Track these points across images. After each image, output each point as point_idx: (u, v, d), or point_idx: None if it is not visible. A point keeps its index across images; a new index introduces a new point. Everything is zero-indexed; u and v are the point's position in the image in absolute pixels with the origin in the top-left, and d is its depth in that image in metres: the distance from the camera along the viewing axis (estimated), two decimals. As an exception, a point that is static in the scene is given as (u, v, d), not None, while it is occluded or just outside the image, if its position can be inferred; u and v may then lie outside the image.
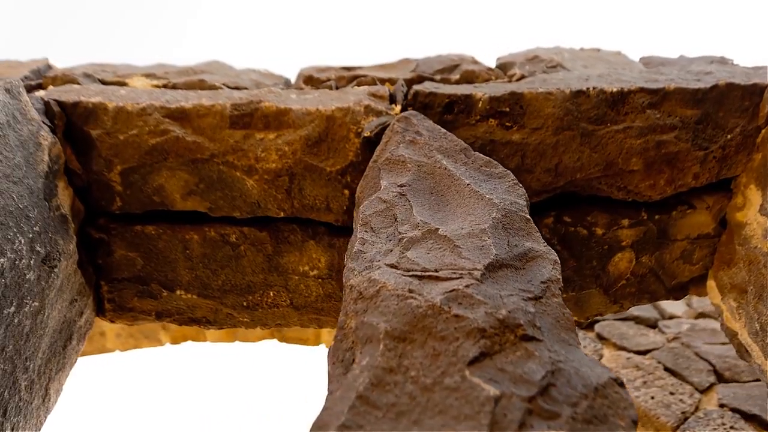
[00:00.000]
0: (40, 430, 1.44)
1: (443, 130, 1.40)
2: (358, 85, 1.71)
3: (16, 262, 1.22)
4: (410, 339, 0.77)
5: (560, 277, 0.92)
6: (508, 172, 1.21)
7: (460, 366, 0.73)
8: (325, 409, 0.74)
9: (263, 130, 1.52)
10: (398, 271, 0.89)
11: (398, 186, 1.18)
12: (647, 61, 1.95)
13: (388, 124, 1.49)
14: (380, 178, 1.25)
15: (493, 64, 1.97)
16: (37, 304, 1.31)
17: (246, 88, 1.73)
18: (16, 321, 1.23)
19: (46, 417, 1.47)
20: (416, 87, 1.57)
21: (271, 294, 1.78)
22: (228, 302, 1.78)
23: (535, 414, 0.68)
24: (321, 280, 1.75)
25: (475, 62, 1.84)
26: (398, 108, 1.57)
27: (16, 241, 1.22)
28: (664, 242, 1.76)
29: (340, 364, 0.81)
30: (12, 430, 1.26)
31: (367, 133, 1.48)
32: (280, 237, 1.72)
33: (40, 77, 1.83)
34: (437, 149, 1.30)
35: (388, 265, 0.91)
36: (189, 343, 5.11)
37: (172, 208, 1.64)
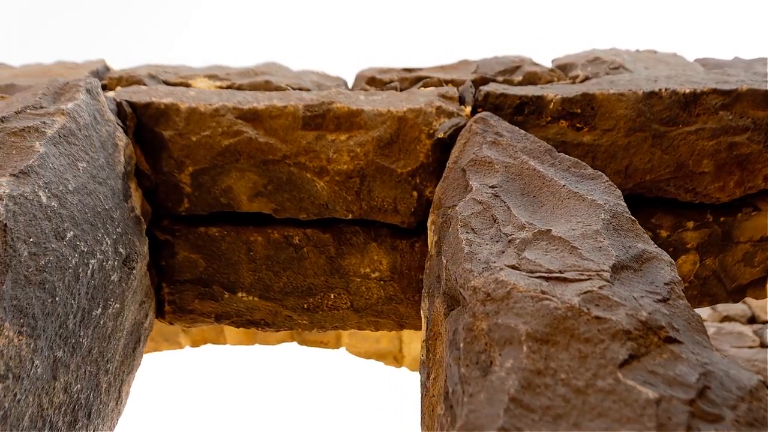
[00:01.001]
0: (113, 432, 1.43)
1: (522, 131, 1.39)
2: (425, 87, 1.70)
3: (104, 264, 1.21)
4: (553, 341, 0.76)
5: (680, 278, 0.91)
6: (600, 173, 1.20)
7: (611, 368, 0.72)
8: (471, 411, 0.73)
9: (334, 132, 1.51)
10: (522, 273, 0.88)
11: (490, 187, 1.17)
12: (704, 63, 1.94)
13: (462, 126, 1.49)
14: (467, 179, 1.24)
15: (544, 65, 1.96)
16: (118, 305, 1.30)
17: (308, 89, 1.73)
18: (101, 323, 1.23)
19: (118, 420, 1.46)
20: (486, 88, 1.56)
21: (332, 296, 1.77)
22: (289, 304, 1.77)
23: (698, 417, 0.67)
24: (383, 282, 1.74)
25: (535, 64, 1.84)
26: (468, 109, 1.56)
27: (104, 242, 1.21)
28: (727, 245, 1.75)
29: (474, 366, 0.80)
30: (95, 432, 1.25)
31: (440, 135, 1.48)
32: (342, 239, 1.71)
33: (100, 78, 1.83)
34: (521, 150, 1.29)
35: (508, 266, 0.90)
36: (208, 345, 5.09)
37: (238, 210, 1.63)
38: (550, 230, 0.97)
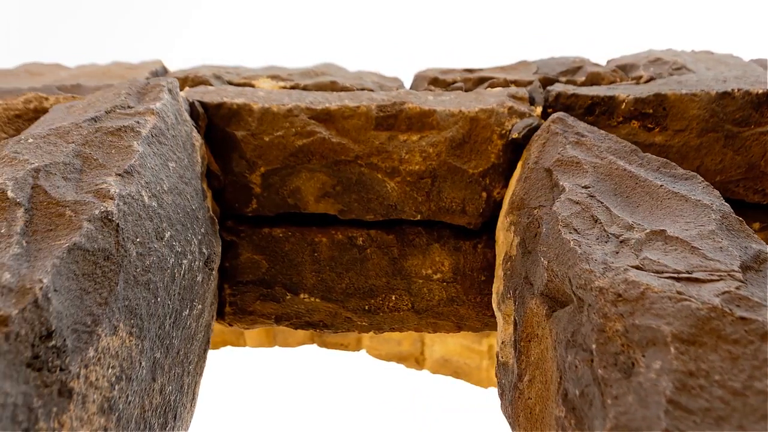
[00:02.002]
0: (188, 434, 1.42)
1: (601, 131, 1.38)
2: (491, 87, 1.69)
3: (192, 264, 1.20)
4: (699, 342, 0.75)
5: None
6: (694, 173, 1.19)
7: (766, 369, 0.71)
8: (622, 413, 0.72)
9: (406, 132, 1.51)
10: (650, 273, 0.87)
11: (583, 187, 1.16)
12: (761, 63, 1.93)
13: (535, 126, 1.48)
14: (555, 179, 1.23)
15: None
16: (200, 306, 1.30)
17: (371, 90, 1.72)
18: (187, 324, 1.22)
19: (191, 421, 1.45)
20: (556, 88, 1.55)
21: (393, 298, 1.76)
22: (350, 306, 1.76)
23: None
24: (445, 283, 1.74)
25: (596, 64, 1.83)
26: (539, 110, 1.55)
27: (192, 242, 1.20)
28: (791, 246, 1.74)
29: (613, 368, 0.79)
30: (180, 434, 1.24)
31: (515, 135, 1.47)
32: (405, 240, 1.70)
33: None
34: (607, 150, 1.29)
35: (632, 266, 0.89)
36: (228, 348, 5.08)
37: (304, 211, 1.62)
38: (665, 230, 0.97)
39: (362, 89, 1.73)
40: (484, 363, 5.16)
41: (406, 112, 1.49)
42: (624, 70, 1.86)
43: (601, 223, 1.05)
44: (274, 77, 1.74)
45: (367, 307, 1.78)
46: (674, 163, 1.25)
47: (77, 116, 1.21)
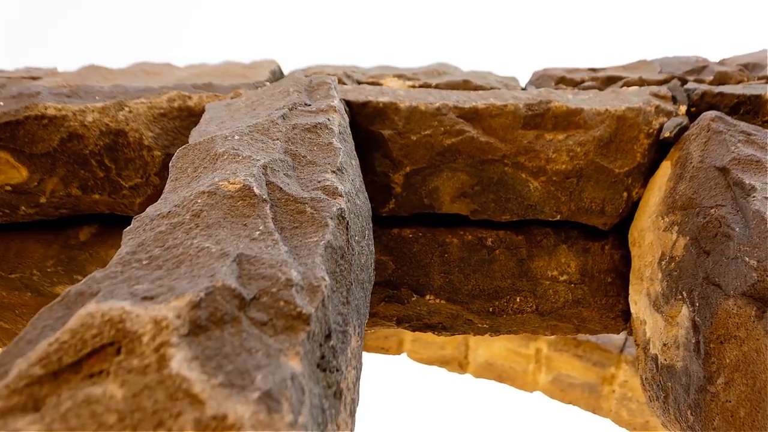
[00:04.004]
0: None
1: (764, 129, 1.36)
2: (626, 86, 1.67)
3: (368, 262, 1.18)
4: None
5: None
6: None
7: None
8: None
9: (552, 131, 1.49)
10: None
11: (774, 186, 1.14)
12: None
13: (684, 125, 1.46)
14: (737, 178, 1.21)
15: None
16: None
17: (499, 89, 1.70)
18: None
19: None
20: (701, 87, 1.54)
21: (518, 300, 1.74)
22: (474, 307, 1.74)
23: None
24: (572, 285, 1.71)
25: (721, 63, 1.81)
26: (683, 108, 1.53)
27: (369, 241, 1.18)
28: None
29: None
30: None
31: (666, 134, 1.45)
32: (533, 241, 1.68)
33: (276, 78, 1.81)
34: (782, 149, 1.26)
35: None
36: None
37: (438, 211, 1.60)
38: None
39: (489, 88, 1.71)
40: (531, 367, 5.12)
41: (553, 111, 1.47)
42: (747, 69, 1.84)
43: (813, 221, 1.03)
44: (399, 76, 1.73)
45: (491, 309, 1.75)
46: None
47: (254, 113, 1.19)
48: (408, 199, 1.56)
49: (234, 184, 0.86)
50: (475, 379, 5.11)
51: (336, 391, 0.76)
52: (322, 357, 0.72)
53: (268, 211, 0.83)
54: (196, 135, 1.15)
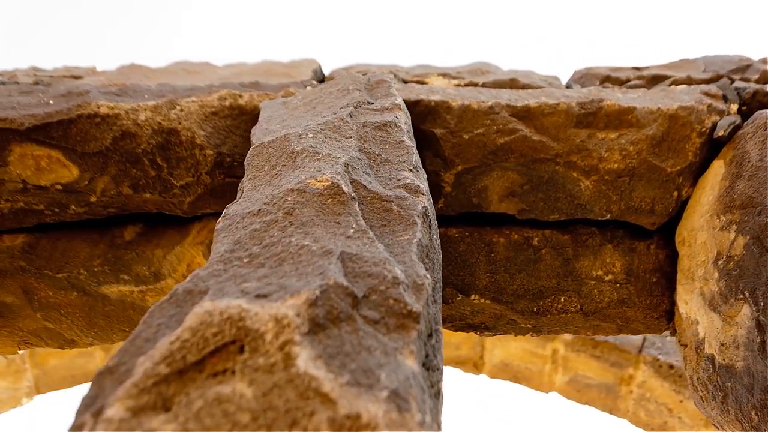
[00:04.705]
0: None
1: (823, 128, 1.35)
2: (674, 84, 1.67)
3: (435, 263, 1.18)
4: None
5: None
6: None
7: None
8: None
9: (603, 130, 1.48)
10: None
11: (842, 184, 1.13)
12: None
13: (738, 124, 1.45)
14: (802, 176, 1.20)
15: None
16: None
17: (543, 87, 1.69)
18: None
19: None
20: (752, 86, 1.53)
21: (562, 299, 1.73)
22: (518, 307, 1.73)
23: None
24: (618, 285, 1.70)
25: (764, 61, 1.80)
26: (734, 107, 1.53)
27: (436, 241, 1.17)
28: None
29: None
30: None
31: (720, 133, 1.44)
32: (578, 241, 1.67)
33: (322, 78, 1.81)
34: (844, 147, 1.26)
35: None
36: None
37: (486, 210, 1.60)
38: None
39: (537, 87, 1.70)
40: (547, 367, 5.11)
41: (605, 110, 1.47)
42: (791, 68, 1.83)
43: None
44: (443, 75, 1.72)
45: (535, 309, 1.74)
46: None
47: (316, 111, 1.19)
48: (457, 199, 1.55)
49: (322, 181, 0.85)
50: (490, 380, 5.10)
51: (436, 392, 0.75)
52: (426, 356, 0.72)
53: (358, 209, 0.83)
54: (259, 133, 1.15)
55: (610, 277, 1.70)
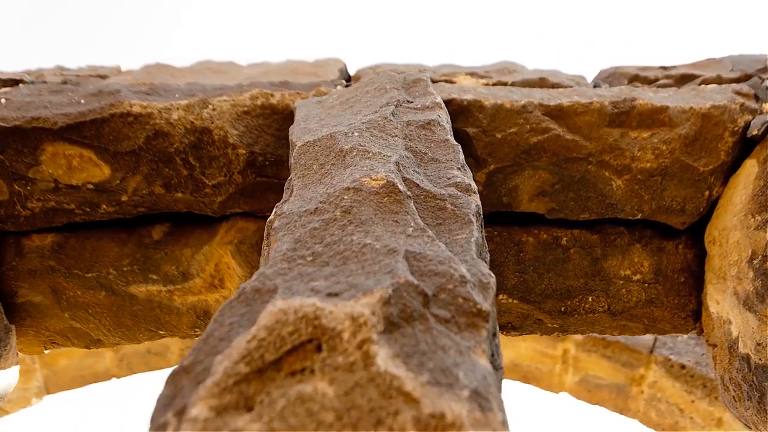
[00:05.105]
0: None
1: None
2: (704, 84, 1.66)
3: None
4: None
5: None
6: None
7: None
8: None
9: (636, 129, 1.48)
10: None
11: None
12: None
13: (771, 123, 1.45)
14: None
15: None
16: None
17: (572, 86, 1.69)
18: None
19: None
20: (784, 85, 1.52)
21: (590, 299, 1.73)
22: (546, 307, 1.73)
23: None
24: (646, 285, 1.70)
25: (792, 61, 1.80)
26: (766, 106, 1.52)
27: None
28: None
29: None
30: None
31: (754, 132, 1.44)
32: (607, 240, 1.67)
33: (348, 77, 1.80)
34: None
35: None
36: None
37: (515, 210, 1.59)
38: None
39: (567, 86, 1.70)
40: (557, 367, 5.10)
41: (638, 109, 1.46)
42: (818, 67, 1.83)
43: None
44: (471, 74, 1.72)
45: (563, 309, 1.74)
46: None
47: (354, 110, 1.18)
48: (487, 198, 1.55)
49: (377, 180, 0.85)
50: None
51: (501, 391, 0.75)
52: (492, 355, 0.71)
53: (414, 208, 0.82)
54: (299, 132, 1.15)
55: (638, 276, 1.70)
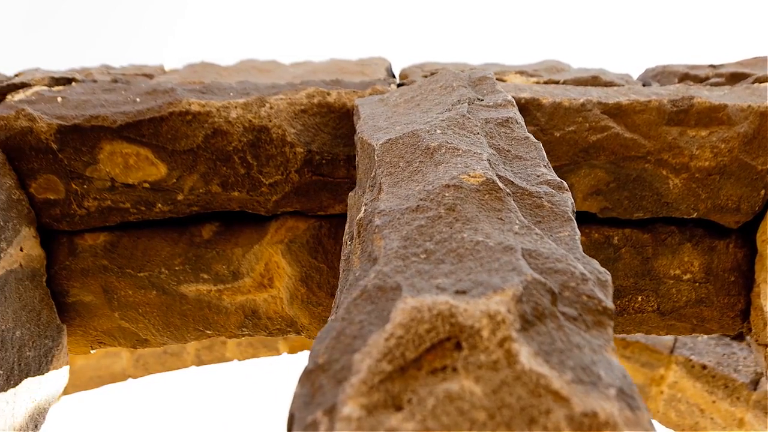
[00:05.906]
0: None
1: None
2: (757, 82, 1.65)
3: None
4: None
5: None
6: None
7: None
8: None
9: (694, 127, 1.47)
10: None
11: None
12: None
13: (831, 121, 1.44)
14: None
15: None
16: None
17: (621, 85, 1.68)
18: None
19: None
20: (841, 83, 1.52)
21: (639, 299, 1.72)
22: (595, 307, 1.71)
23: None
24: (696, 284, 1.69)
25: (841, 60, 1.79)
26: (823, 104, 1.51)
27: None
28: None
29: None
30: None
31: (814, 130, 1.43)
32: (658, 239, 1.66)
33: (393, 76, 1.80)
34: None
35: None
36: (305, 352, 5.04)
37: (569, 209, 1.58)
38: None
39: (619, 85, 1.69)
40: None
41: (696, 107, 1.46)
42: None
43: None
44: (520, 73, 1.71)
45: (612, 309, 1.73)
46: None
47: (421, 108, 1.17)
48: (542, 197, 1.54)
49: (475, 177, 0.84)
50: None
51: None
52: (609, 354, 0.71)
53: (515, 205, 0.82)
54: (369, 130, 1.14)
55: (688, 276, 1.69)
